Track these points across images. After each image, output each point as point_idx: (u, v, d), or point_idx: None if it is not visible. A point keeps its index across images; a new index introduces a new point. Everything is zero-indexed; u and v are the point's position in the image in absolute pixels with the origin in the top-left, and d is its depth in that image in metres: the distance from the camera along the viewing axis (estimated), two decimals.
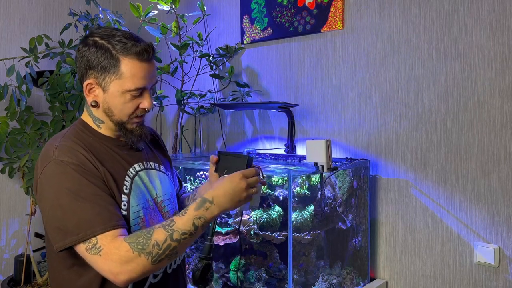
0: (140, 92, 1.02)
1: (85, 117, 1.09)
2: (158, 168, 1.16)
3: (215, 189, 0.97)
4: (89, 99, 1.04)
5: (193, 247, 1.96)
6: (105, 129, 1.07)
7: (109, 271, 0.90)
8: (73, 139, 1.02)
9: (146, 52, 1.00)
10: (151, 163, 1.15)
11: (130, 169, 1.07)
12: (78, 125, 1.07)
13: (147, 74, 1.01)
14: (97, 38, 1.01)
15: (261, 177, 1.07)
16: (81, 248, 0.92)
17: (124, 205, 1.01)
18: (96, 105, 1.04)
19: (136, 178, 1.07)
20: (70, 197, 0.92)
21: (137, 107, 1.04)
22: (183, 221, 0.93)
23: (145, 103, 1.03)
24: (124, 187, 1.03)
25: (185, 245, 0.94)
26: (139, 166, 1.10)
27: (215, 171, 1.10)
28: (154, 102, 2.17)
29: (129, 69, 0.99)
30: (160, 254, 0.90)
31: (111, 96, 1.01)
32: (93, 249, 0.91)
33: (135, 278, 0.91)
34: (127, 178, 1.05)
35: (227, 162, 1.08)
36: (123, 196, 1.02)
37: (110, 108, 1.03)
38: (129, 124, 1.05)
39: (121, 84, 1.00)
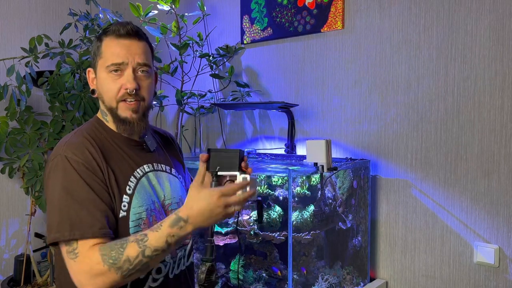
0: (119, 68, 1.00)
1: (99, 113, 1.11)
2: (169, 171, 1.14)
3: (191, 208, 0.92)
4: (91, 88, 1.07)
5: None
6: (111, 122, 1.07)
7: (78, 281, 0.90)
8: (85, 135, 1.02)
9: (123, 28, 1.01)
10: (162, 165, 1.13)
11: (138, 170, 1.06)
12: (93, 122, 1.09)
13: (124, 50, 1.00)
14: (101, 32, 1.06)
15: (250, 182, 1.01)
16: (63, 249, 0.93)
17: (124, 206, 1.00)
18: (94, 92, 1.07)
19: (143, 179, 1.06)
20: (63, 195, 0.93)
21: (120, 89, 1.01)
22: (156, 238, 0.90)
23: (126, 83, 1.00)
24: (128, 187, 1.02)
25: (157, 260, 0.93)
26: (149, 167, 1.09)
27: (207, 169, 1.01)
28: (154, 102, 2.17)
29: (107, 47, 1.01)
30: (131, 269, 0.90)
31: (99, 79, 1.03)
32: (71, 254, 0.91)
33: None
34: (132, 179, 1.03)
35: (219, 159, 1.02)
36: (124, 196, 1.01)
37: (100, 92, 1.05)
38: (120, 111, 1.02)
39: (102, 63, 1.02)
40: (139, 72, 1.02)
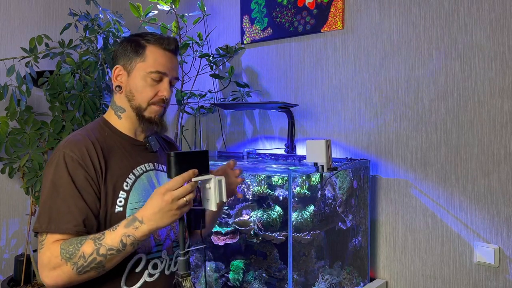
0: (160, 77, 1.08)
1: (108, 113, 1.14)
2: None
3: (145, 208, 0.93)
4: (115, 84, 1.12)
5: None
6: (125, 119, 1.11)
7: (40, 271, 0.95)
8: (88, 132, 1.07)
9: (169, 42, 1.10)
10: (163, 166, 1.18)
11: (138, 168, 1.10)
12: (99, 121, 1.14)
13: (168, 62, 1.09)
14: (131, 37, 1.12)
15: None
16: (39, 238, 0.98)
17: (121, 201, 1.04)
18: (119, 89, 1.10)
19: (143, 176, 1.09)
20: (50, 189, 0.98)
21: (156, 94, 1.09)
22: (111, 237, 0.93)
23: (163, 91, 1.09)
24: (125, 183, 1.05)
25: (112, 260, 0.94)
26: (149, 166, 1.13)
27: (169, 176, 0.95)
28: None
29: (153, 54, 1.08)
30: (85, 266, 0.92)
31: (134, 78, 1.09)
32: (40, 244, 0.96)
33: (61, 285, 0.94)
34: (130, 176, 1.07)
35: (184, 163, 0.92)
36: (121, 192, 1.04)
37: (131, 91, 1.09)
38: (147, 112, 1.09)
39: (144, 67, 1.08)
40: (171, 84, 1.12)
